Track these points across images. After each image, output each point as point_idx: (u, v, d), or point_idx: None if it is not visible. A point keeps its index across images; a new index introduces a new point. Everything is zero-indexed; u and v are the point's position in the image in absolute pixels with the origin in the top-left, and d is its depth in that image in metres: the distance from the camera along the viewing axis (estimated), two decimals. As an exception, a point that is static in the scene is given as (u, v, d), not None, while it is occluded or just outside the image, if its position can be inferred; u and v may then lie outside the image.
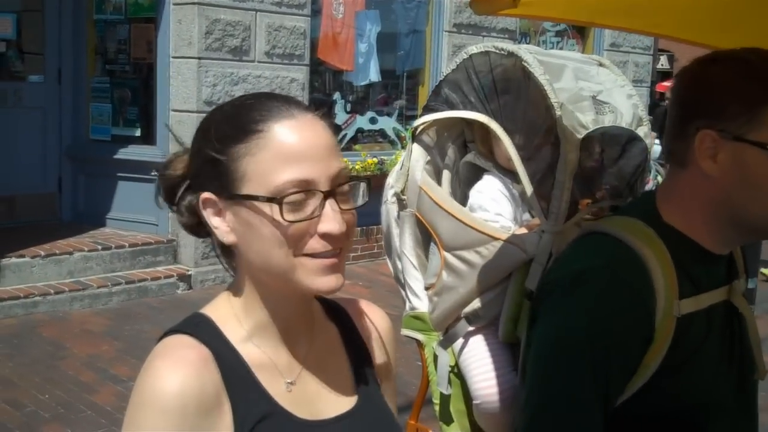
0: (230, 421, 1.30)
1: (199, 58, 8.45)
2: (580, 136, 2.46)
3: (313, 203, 1.29)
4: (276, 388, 1.37)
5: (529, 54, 2.53)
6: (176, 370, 1.26)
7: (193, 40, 8.45)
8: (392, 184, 2.93)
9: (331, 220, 1.29)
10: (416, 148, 2.87)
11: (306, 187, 1.28)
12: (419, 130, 2.87)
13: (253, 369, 1.36)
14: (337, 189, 1.32)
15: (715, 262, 1.77)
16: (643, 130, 2.72)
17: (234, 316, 1.39)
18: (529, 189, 2.51)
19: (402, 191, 2.87)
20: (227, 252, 1.42)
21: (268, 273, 1.34)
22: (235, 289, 1.42)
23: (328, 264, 1.31)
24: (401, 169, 2.91)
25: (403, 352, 6.83)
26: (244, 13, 8.80)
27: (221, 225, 1.35)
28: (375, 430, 1.48)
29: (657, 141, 8.88)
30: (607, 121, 2.59)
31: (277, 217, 1.27)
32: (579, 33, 13.26)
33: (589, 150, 2.56)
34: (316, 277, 1.31)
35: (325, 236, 1.30)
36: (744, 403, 1.82)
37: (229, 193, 1.32)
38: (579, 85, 2.60)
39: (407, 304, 2.90)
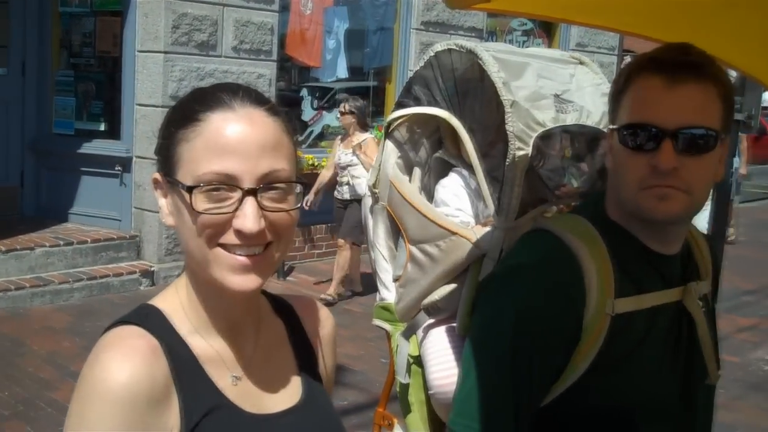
0: (177, 412, 1.28)
1: (166, 53, 8.39)
2: (534, 134, 2.48)
3: (233, 198, 1.27)
4: (223, 381, 1.36)
5: (486, 52, 2.55)
6: (126, 361, 1.24)
7: (160, 34, 8.38)
8: (368, 177, 2.98)
9: (247, 217, 1.26)
10: (388, 143, 2.91)
11: (227, 182, 1.26)
12: (392, 126, 2.90)
13: (200, 361, 1.35)
14: (261, 188, 1.28)
15: (662, 262, 1.76)
16: None
17: (181, 308, 1.38)
18: (484, 185, 2.53)
19: (374, 185, 2.92)
20: None
21: (193, 262, 1.34)
22: (183, 280, 1.41)
23: (242, 262, 1.29)
24: (374, 163, 2.97)
25: (367, 350, 6.88)
26: (211, 7, 8.75)
27: (164, 207, 1.36)
28: (319, 425, 1.47)
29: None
30: (570, 119, 2.60)
31: (190, 205, 1.27)
32: (545, 32, 13.35)
33: (549, 148, 2.58)
34: (228, 274, 1.29)
35: (238, 233, 1.27)
36: (691, 406, 1.80)
37: (169, 176, 1.33)
38: (540, 83, 2.62)
39: (378, 295, 2.96)
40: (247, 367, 1.41)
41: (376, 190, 2.91)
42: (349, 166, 8.20)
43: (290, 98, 10.20)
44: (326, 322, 1.63)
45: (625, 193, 1.68)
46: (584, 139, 2.66)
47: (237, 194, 1.27)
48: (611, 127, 1.71)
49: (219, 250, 1.29)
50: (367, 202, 3.00)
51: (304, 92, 10.36)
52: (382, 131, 2.97)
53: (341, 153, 8.31)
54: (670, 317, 1.76)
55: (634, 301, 1.69)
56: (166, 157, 1.33)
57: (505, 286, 1.72)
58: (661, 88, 1.61)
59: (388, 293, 2.89)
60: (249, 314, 1.44)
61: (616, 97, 1.71)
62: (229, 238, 1.28)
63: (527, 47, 12.80)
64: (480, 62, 2.53)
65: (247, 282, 1.30)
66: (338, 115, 8.49)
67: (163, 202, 1.36)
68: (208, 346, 1.37)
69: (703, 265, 1.89)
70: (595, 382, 1.66)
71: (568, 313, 1.64)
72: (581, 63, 2.89)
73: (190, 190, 1.26)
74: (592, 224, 1.73)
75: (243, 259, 1.28)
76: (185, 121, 1.31)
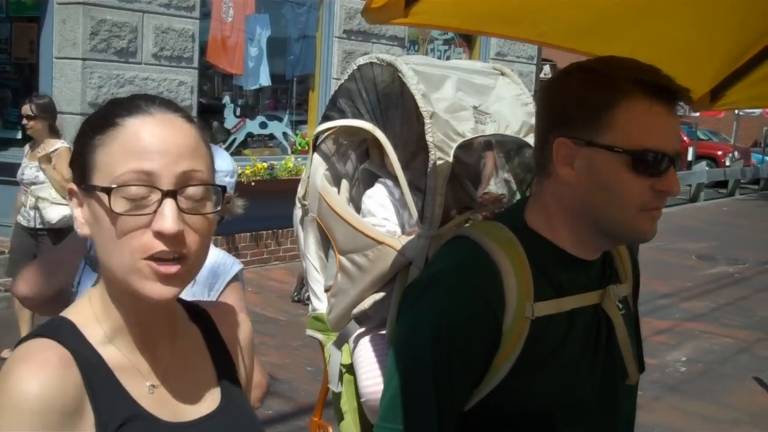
0: (92, 423, 1.27)
1: (84, 59, 8.26)
2: (454, 144, 2.53)
3: (152, 200, 1.26)
4: (138, 390, 1.35)
5: (405, 65, 2.61)
6: (38, 373, 1.23)
7: (78, 41, 8.24)
8: (298, 189, 2.99)
9: (166, 218, 1.25)
10: (316, 156, 2.94)
11: (145, 181, 1.26)
12: (320, 139, 2.93)
13: (115, 371, 1.33)
14: (181, 190, 1.28)
15: (582, 266, 1.80)
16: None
17: (94, 318, 1.37)
18: (408, 195, 2.58)
19: (304, 196, 2.95)
20: None
21: (110, 270, 1.31)
22: (97, 289, 1.40)
23: (163, 271, 1.28)
24: (304, 174, 3.00)
25: (293, 358, 6.86)
26: (131, 14, 8.64)
27: (79, 216, 1.34)
28: (238, 430, 1.47)
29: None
30: (489, 130, 2.67)
31: (108, 208, 1.26)
32: (466, 42, 13.52)
33: (469, 157, 2.64)
34: (150, 284, 1.28)
35: (159, 235, 1.26)
36: (611, 406, 1.85)
37: (85, 184, 1.31)
38: (458, 95, 2.68)
39: (310, 306, 2.98)
40: (163, 375, 1.41)
41: (306, 202, 2.94)
42: (33, 184, 6.60)
43: (212, 106, 10.13)
44: (243, 326, 1.62)
45: (618, 213, 1.68)
46: (503, 148, 2.73)
47: (156, 196, 1.26)
48: (599, 143, 1.67)
49: (143, 263, 1.27)
50: (297, 213, 3.02)
51: (226, 100, 10.29)
52: (310, 144, 3.00)
53: (25, 166, 6.72)
54: (589, 320, 1.80)
55: (553, 305, 1.72)
56: (81, 165, 1.32)
57: (424, 294, 1.73)
58: (664, 115, 1.66)
59: (320, 303, 2.92)
60: (164, 322, 1.43)
61: (595, 112, 1.68)
62: (152, 246, 1.27)
63: (448, 57, 12.97)
64: (400, 75, 2.58)
65: (167, 291, 1.29)
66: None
67: (78, 212, 1.34)
68: (122, 355, 1.36)
69: (623, 269, 1.95)
70: (516, 384, 1.69)
71: (488, 318, 1.66)
72: (502, 74, 2.96)
73: (108, 191, 1.25)
74: (511, 230, 1.77)
75: (164, 268, 1.28)
76: (102, 127, 1.30)
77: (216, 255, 2.81)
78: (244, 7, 10.22)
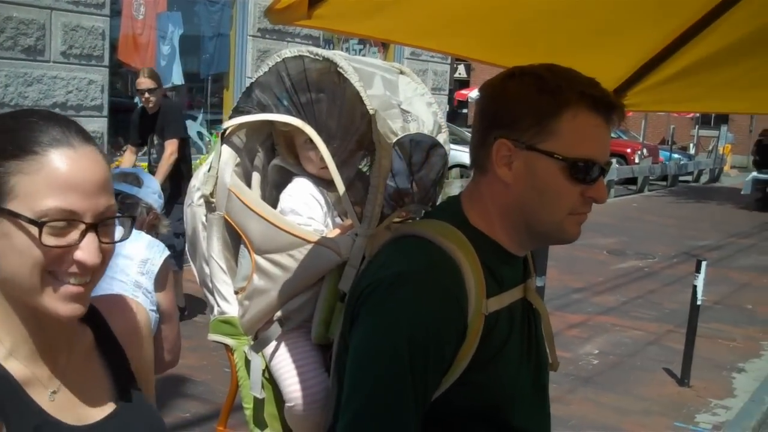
0: None
1: (-11, 58, 8.04)
2: (392, 143, 2.52)
3: (74, 232, 1.31)
4: (42, 399, 1.37)
5: (344, 60, 2.56)
6: None
7: (-17, 38, 8.02)
8: (199, 186, 2.86)
9: (88, 251, 1.31)
10: (225, 150, 2.82)
11: (70, 218, 1.30)
12: (228, 131, 2.84)
13: (21, 384, 1.36)
14: (100, 223, 1.34)
15: (514, 262, 1.88)
16: (443, 137, 2.81)
17: None
18: (343, 193, 2.54)
19: (211, 194, 2.82)
20: None
21: (18, 289, 1.33)
22: None
23: (74, 292, 1.33)
24: (209, 171, 2.86)
25: (210, 360, 6.75)
26: (38, 11, 8.43)
27: None
28: (139, 428, 1.50)
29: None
30: (412, 128, 2.66)
31: (36, 239, 1.28)
32: (381, 41, 13.58)
33: (398, 156, 2.63)
34: (59, 303, 1.33)
35: (78, 264, 1.32)
36: (540, 394, 1.93)
37: None
38: (387, 93, 2.66)
39: (215, 309, 2.84)
40: (62, 380, 1.42)
41: (213, 200, 2.82)
42: None
43: (123, 105, 9.96)
44: (132, 315, 1.64)
45: (549, 215, 1.77)
46: (423, 147, 2.73)
47: (79, 228, 1.30)
48: (540, 148, 1.73)
49: (51, 279, 1.31)
50: (198, 212, 2.88)
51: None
52: (218, 137, 2.89)
53: None
54: (521, 313, 1.88)
55: (498, 300, 1.78)
56: None
57: (391, 294, 1.72)
58: (602, 127, 1.75)
59: (229, 306, 2.80)
60: (63, 330, 1.44)
61: (539, 119, 1.74)
62: (65, 267, 1.31)
63: (363, 56, 12.99)
64: (340, 71, 2.53)
65: (76, 310, 1.33)
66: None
67: None
68: (23, 368, 1.37)
69: (531, 262, 2.02)
70: (473, 378, 1.73)
71: (458, 316, 1.70)
72: (402, 72, 2.94)
73: (40, 226, 1.27)
74: (458, 229, 1.80)
75: (76, 289, 1.32)
76: (20, 152, 1.30)
77: (146, 242, 3.19)
78: (155, 5, 10.07)
